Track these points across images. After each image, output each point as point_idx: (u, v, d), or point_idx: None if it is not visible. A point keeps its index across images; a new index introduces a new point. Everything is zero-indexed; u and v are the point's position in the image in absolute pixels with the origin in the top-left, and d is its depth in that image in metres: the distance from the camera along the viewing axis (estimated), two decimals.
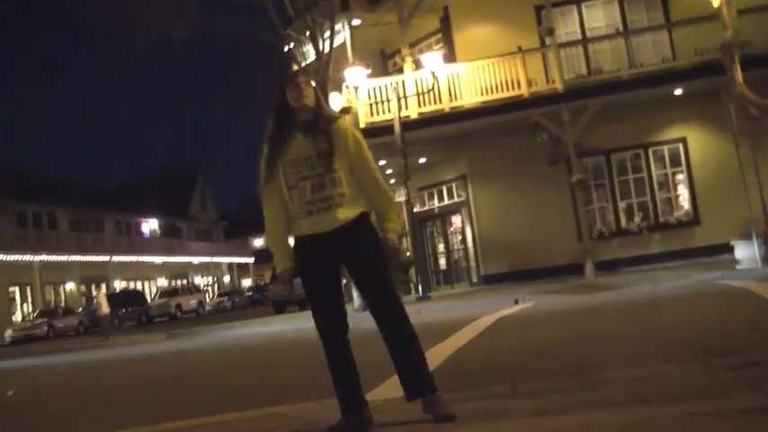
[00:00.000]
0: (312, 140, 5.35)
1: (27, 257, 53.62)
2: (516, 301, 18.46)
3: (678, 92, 24.62)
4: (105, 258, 60.53)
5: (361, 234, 5.39)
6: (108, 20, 25.17)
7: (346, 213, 5.29)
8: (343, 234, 5.32)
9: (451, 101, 24.75)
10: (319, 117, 5.45)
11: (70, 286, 58.90)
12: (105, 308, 35.15)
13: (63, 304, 55.70)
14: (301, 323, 22.85)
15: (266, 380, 10.09)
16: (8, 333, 46.93)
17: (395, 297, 5.47)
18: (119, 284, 62.41)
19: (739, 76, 5.69)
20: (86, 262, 58.55)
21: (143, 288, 63.53)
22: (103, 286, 57.24)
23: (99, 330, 34.67)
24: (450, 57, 26.56)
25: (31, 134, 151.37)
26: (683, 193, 26.21)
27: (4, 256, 51.92)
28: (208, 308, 60.52)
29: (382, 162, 23.84)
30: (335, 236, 5.32)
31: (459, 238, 30.12)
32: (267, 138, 5.47)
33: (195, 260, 77.15)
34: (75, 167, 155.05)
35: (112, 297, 52.32)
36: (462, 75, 24.96)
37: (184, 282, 69.76)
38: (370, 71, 25.56)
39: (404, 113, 24.27)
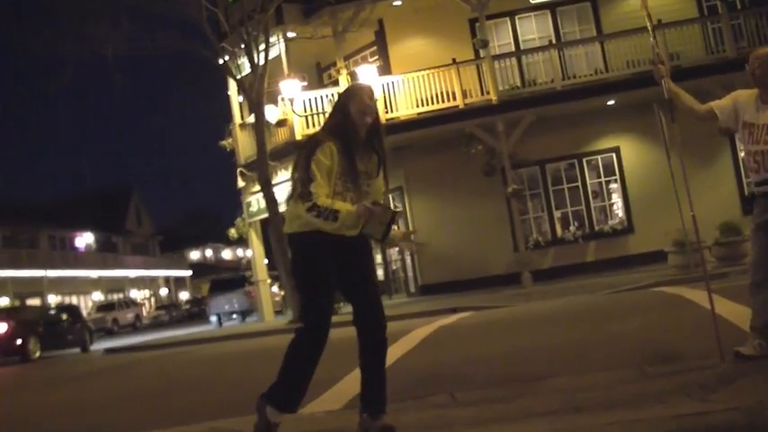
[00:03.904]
0: (361, 157, 5.37)
1: None
2: (455, 311, 18.53)
3: (611, 103, 24.97)
4: (40, 273, 59.56)
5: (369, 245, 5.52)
6: (39, 34, 24.88)
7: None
8: (358, 240, 5.36)
9: (387, 113, 24.79)
10: (377, 133, 5.49)
11: (4, 302, 57.72)
12: None
13: None
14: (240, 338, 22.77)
15: (204, 396, 10.03)
16: None
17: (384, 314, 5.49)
18: (54, 299, 61.42)
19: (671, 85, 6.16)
20: (21, 277, 57.57)
21: (79, 303, 62.46)
22: None
23: None
24: (386, 69, 26.60)
25: None
26: (617, 201, 26.55)
27: None
28: (145, 321, 59.87)
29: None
30: (355, 240, 5.35)
31: (397, 249, 30.14)
32: (329, 149, 5.23)
33: (132, 274, 76.27)
34: (8, 185, 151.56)
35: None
36: (398, 87, 25.04)
37: (121, 296, 68.82)
38: (305, 83, 25.52)
39: None
